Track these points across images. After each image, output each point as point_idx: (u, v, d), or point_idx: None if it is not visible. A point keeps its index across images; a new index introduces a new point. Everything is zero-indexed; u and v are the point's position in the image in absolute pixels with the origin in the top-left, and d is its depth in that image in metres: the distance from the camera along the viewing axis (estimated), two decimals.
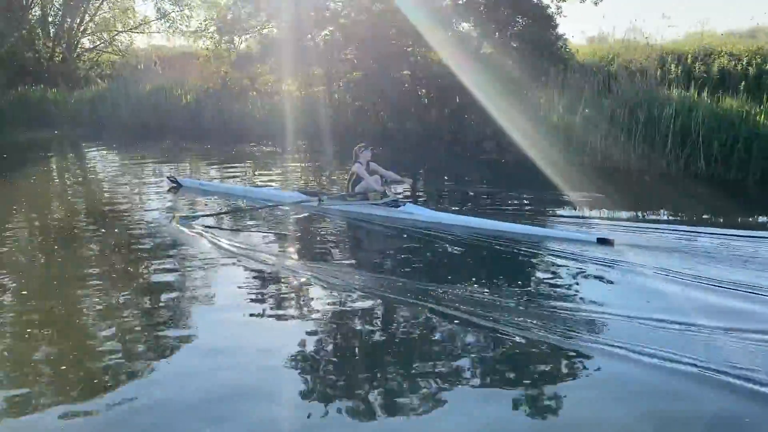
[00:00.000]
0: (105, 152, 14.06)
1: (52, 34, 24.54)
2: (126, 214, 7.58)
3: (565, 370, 3.52)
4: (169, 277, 5.15)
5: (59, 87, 21.74)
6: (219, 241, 5.97)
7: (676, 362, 3.46)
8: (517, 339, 3.81)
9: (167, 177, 9.06)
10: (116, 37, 25.59)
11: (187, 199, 8.16)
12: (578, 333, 3.89)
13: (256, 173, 10.67)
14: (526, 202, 8.24)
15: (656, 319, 4.02)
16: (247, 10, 14.94)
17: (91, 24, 24.97)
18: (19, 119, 20.51)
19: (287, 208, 7.31)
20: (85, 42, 25.53)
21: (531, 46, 12.30)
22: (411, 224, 6.54)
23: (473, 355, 3.68)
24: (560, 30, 13.05)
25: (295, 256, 5.77)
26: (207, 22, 16.76)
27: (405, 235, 6.25)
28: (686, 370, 3.39)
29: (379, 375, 3.49)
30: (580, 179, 8.47)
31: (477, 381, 3.46)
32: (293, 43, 13.84)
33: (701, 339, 3.78)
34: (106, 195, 9.09)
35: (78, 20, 24.31)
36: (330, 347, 3.91)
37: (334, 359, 3.74)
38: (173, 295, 4.75)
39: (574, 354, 3.66)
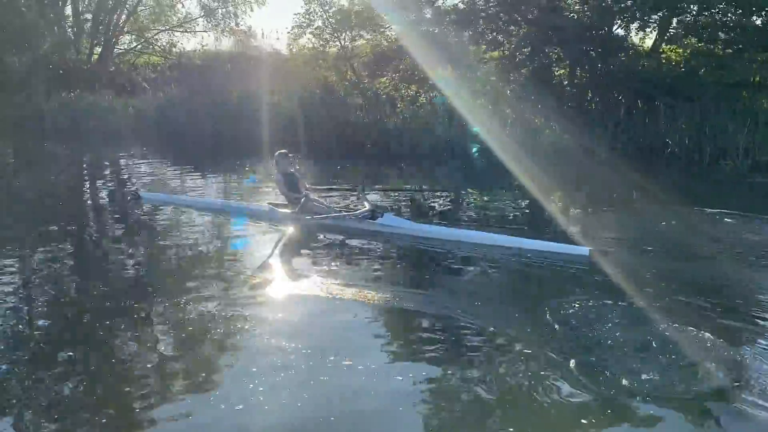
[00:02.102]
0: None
1: (86, 33, 22.24)
2: None
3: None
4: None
5: (101, 92, 19.64)
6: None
7: None
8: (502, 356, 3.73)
9: (129, 192, 8.76)
10: (156, 36, 23.25)
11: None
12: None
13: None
14: None
15: None
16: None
17: (130, 21, 22.61)
18: (69, 131, 18.29)
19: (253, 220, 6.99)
20: (122, 42, 23.29)
21: None
22: (389, 237, 6.35)
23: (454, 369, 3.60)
24: None
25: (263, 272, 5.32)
26: (309, 15, 14.61)
27: (382, 248, 6.12)
28: None
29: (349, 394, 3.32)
30: None
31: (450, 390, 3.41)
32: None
33: None
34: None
35: (114, 17, 22.04)
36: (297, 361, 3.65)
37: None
38: None
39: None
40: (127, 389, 3.40)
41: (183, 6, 23.17)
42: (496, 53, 13.00)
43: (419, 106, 12.87)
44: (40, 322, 4.39)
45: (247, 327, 4.16)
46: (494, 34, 12.37)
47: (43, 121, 19.03)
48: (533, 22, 11.09)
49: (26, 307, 4.67)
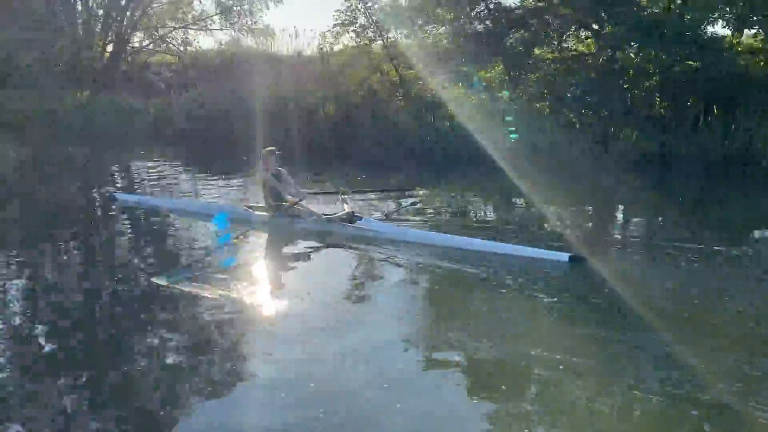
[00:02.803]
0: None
1: (97, 30, 21.26)
2: None
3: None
4: None
5: (115, 92, 18.75)
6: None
7: None
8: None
9: (105, 192, 8.65)
10: (170, 34, 22.26)
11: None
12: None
13: None
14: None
15: None
16: None
17: (144, 19, 21.62)
18: (85, 132, 17.38)
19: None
20: (134, 40, 22.29)
21: None
22: (367, 241, 6.27)
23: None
24: None
25: (232, 278, 5.22)
26: (352, 12, 13.74)
27: (360, 253, 6.04)
28: None
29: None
30: None
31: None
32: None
33: None
34: None
35: (127, 14, 21.08)
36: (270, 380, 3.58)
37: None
38: None
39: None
40: (135, 394, 3.41)
41: (200, 2, 22.19)
42: (552, 54, 12.26)
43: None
44: (42, 328, 4.31)
45: (240, 331, 4.18)
46: (555, 34, 11.60)
47: (56, 122, 18.14)
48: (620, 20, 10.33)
49: (28, 313, 4.59)
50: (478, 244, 5.97)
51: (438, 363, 3.81)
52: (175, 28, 22.30)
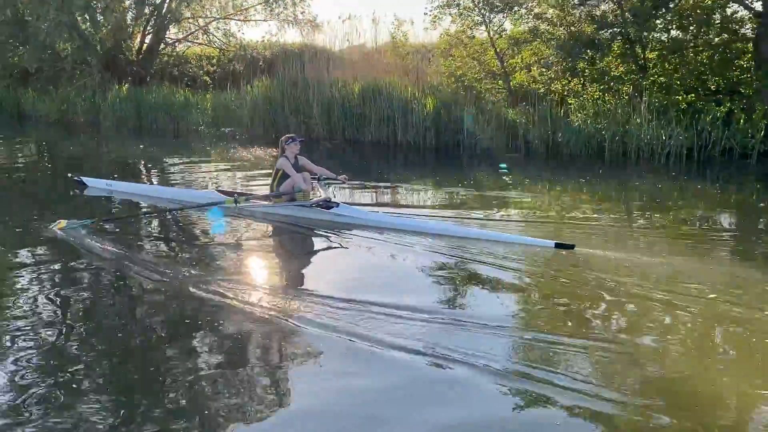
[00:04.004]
0: None
1: (129, 20, 19.84)
2: None
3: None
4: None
5: (147, 85, 17.51)
6: (107, 252, 5.11)
7: None
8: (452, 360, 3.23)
9: (71, 176, 8.13)
10: (210, 24, 20.85)
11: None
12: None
13: None
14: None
15: None
16: None
17: (181, 9, 20.21)
18: (135, 126, 16.04)
19: (198, 210, 6.45)
20: (172, 32, 20.87)
21: None
22: (344, 227, 5.97)
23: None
24: None
25: (201, 271, 4.75)
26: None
27: (337, 241, 5.70)
28: None
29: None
30: None
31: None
32: None
33: None
34: None
35: (166, 3, 19.69)
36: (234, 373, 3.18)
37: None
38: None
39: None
40: (157, 402, 2.94)
41: None
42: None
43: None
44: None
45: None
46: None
47: (99, 115, 16.81)
48: None
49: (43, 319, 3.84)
50: (463, 231, 5.73)
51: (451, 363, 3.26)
52: (215, 19, 20.96)
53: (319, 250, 5.68)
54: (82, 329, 3.71)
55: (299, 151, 6.43)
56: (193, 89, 17.90)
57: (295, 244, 5.95)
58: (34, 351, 3.36)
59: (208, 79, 19.22)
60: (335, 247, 5.62)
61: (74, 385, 3.03)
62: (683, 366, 3.24)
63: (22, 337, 3.52)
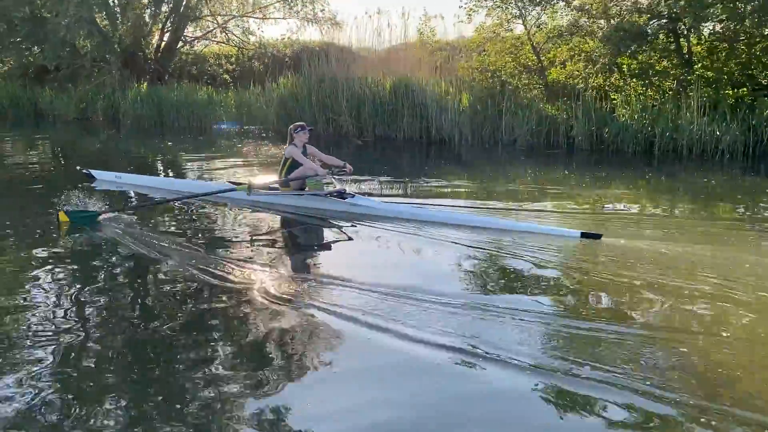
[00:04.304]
0: None
1: (148, 18, 19.52)
2: None
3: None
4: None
5: (166, 83, 17.20)
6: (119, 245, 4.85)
7: None
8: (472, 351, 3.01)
9: (80, 169, 8.14)
10: (229, 22, 20.51)
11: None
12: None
13: None
14: None
15: None
16: None
17: (200, 6, 19.90)
18: (155, 124, 15.69)
19: (212, 200, 6.47)
20: (189, 30, 20.54)
21: None
22: (359, 218, 5.81)
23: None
24: None
25: (219, 261, 4.44)
26: None
27: (355, 231, 5.55)
28: None
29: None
30: None
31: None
32: None
33: None
34: None
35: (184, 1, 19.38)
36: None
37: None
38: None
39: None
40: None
41: None
42: None
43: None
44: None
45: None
46: None
47: (119, 113, 16.47)
48: None
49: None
50: (486, 221, 5.54)
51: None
52: (232, 17, 20.63)
53: (339, 241, 5.54)
54: (99, 320, 3.52)
55: (307, 140, 6.36)
56: (213, 87, 17.60)
57: (312, 234, 5.81)
58: (52, 345, 3.15)
59: (228, 77, 18.90)
60: (354, 238, 5.45)
61: (92, 382, 2.83)
62: (737, 359, 2.99)
63: (38, 333, 3.31)
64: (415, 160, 10.83)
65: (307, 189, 6.13)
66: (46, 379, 2.81)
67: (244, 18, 20.61)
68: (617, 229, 5.41)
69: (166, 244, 4.91)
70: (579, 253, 4.71)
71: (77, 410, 2.58)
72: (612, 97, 10.95)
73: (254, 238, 5.36)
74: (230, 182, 6.86)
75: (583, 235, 4.98)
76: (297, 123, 6.54)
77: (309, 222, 5.94)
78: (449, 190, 7.74)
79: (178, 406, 2.62)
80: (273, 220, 6.03)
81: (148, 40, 18.86)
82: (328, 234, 5.77)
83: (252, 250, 4.90)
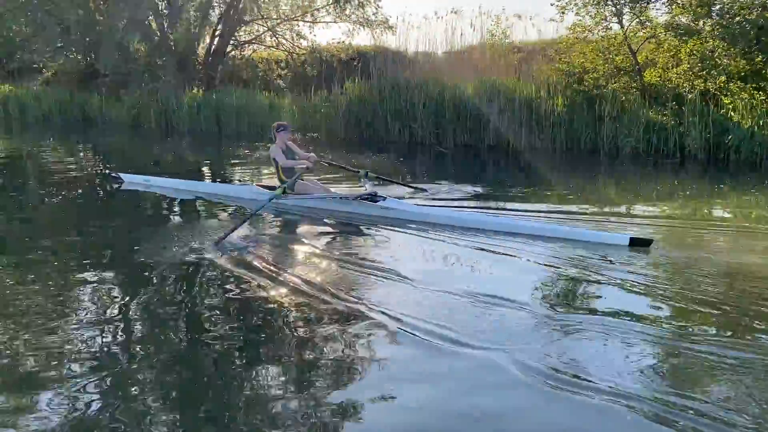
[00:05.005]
0: None
1: (194, 20, 18.91)
2: None
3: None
4: None
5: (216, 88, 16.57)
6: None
7: None
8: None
9: (109, 173, 8.38)
10: (280, 26, 19.83)
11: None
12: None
13: None
14: None
15: None
16: None
17: (253, 10, 19.26)
18: (224, 133, 15.02)
19: (239, 204, 6.49)
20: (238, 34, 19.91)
21: None
22: (390, 222, 5.61)
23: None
24: None
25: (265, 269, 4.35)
26: None
27: (382, 235, 5.37)
28: None
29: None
30: None
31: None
32: None
33: None
34: None
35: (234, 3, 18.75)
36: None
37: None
38: None
39: None
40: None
41: None
42: None
43: None
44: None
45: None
46: None
47: (172, 119, 15.86)
48: None
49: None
50: (528, 227, 5.27)
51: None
52: (283, 21, 19.96)
53: (375, 244, 5.26)
54: (147, 325, 3.54)
55: (289, 138, 6.49)
56: (266, 93, 16.91)
57: (345, 237, 5.63)
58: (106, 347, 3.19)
59: (281, 82, 18.21)
60: (389, 242, 5.24)
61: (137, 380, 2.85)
62: None
63: (89, 335, 3.31)
64: (503, 170, 9.99)
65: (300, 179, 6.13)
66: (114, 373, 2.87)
67: (294, 21, 20.03)
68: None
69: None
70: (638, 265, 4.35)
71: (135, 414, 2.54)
72: (725, 101, 9.99)
73: (287, 241, 5.40)
74: (258, 185, 6.77)
75: (633, 241, 4.73)
76: (280, 122, 6.68)
77: (336, 225, 5.85)
78: (544, 204, 6.88)
79: (233, 412, 2.59)
80: (306, 224, 5.97)
81: (200, 44, 18.26)
82: (362, 237, 5.54)
83: (287, 255, 4.92)
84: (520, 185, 8.07)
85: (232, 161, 11.04)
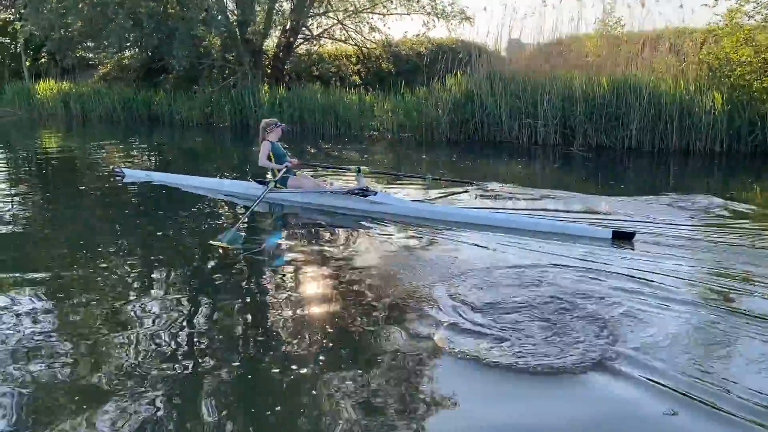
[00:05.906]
0: None
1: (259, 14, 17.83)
2: None
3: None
4: None
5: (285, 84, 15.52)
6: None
7: None
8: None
9: (113, 168, 8.46)
10: (349, 19, 18.63)
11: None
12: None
13: None
14: None
15: None
16: None
17: (323, 2, 18.11)
18: (308, 133, 13.93)
19: (232, 198, 6.74)
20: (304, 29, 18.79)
21: None
22: (381, 216, 5.78)
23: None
24: None
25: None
26: None
27: (374, 230, 5.45)
28: None
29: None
30: None
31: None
32: None
33: None
34: None
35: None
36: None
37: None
38: None
39: None
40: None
41: None
42: None
43: None
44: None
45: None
46: None
47: (248, 117, 14.82)
48: None
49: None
50: (515, 221, 5.36)
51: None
52: (352, 13, 18.74)
53: (364, 239, 5.29)
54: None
55: (280, 135, 6.56)
56: (342, 88, 15.78)
57: (329, 231, 5.65)
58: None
59: (358, 78, 17.07)
60: (374, 235, 5.30)
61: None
62: None
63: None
64: (651, 174, 8.79)
65: (329, 185, 6.36)
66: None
67: (364, 14, 18.84)
68: None
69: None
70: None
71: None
72: None
73: (291, 238, 5.41)
74: (255, 180, 6.78)
75: (615, 234, 4.77)
76: (270, 119, 6.72)
77: (332, 219, 5.93)
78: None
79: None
80: (298, 219, 6.11)
81: (274, 38, 17.21)
82: (346, 231, 5.61)
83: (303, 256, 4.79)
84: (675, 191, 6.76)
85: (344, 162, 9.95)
